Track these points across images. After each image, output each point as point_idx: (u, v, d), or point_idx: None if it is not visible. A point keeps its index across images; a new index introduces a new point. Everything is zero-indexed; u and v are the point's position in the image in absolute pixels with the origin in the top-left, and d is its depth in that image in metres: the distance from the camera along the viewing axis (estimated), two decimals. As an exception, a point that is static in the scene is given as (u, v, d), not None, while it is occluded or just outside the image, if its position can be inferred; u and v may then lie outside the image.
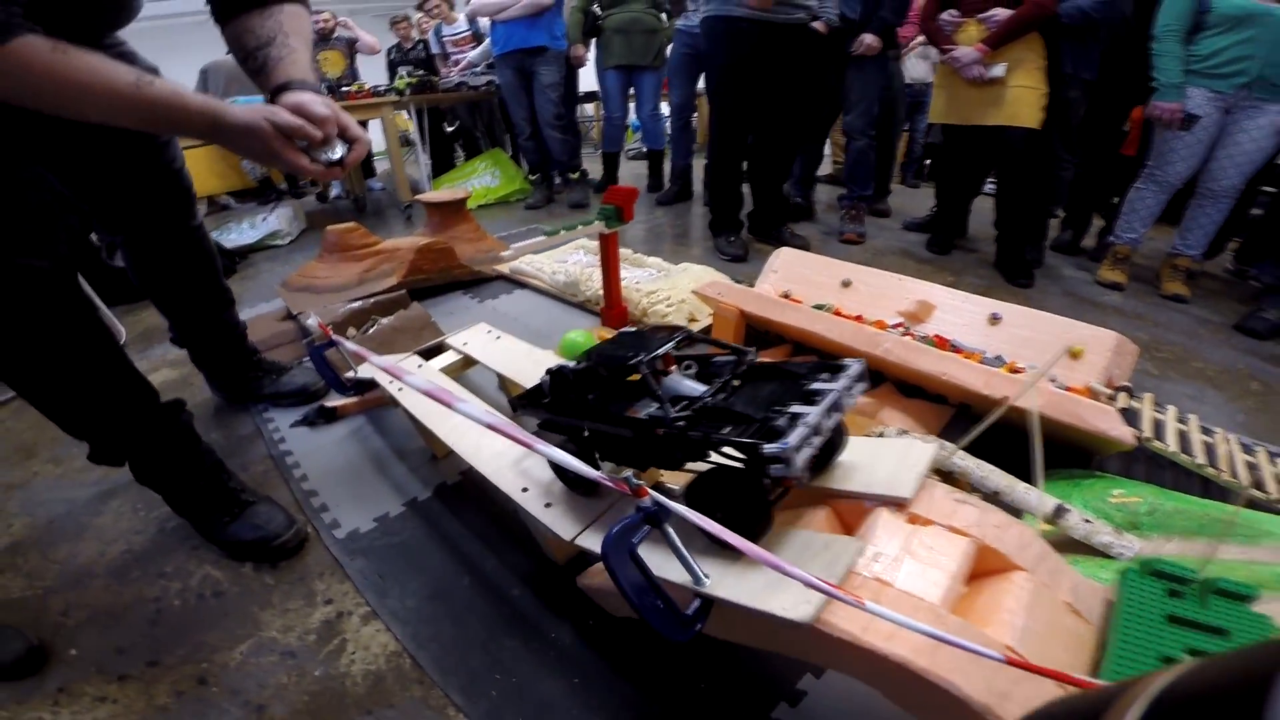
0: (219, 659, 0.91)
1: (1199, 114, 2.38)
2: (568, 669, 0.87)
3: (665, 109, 3.88)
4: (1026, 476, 1.09)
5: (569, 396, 0.78)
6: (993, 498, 0.95)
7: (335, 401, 1.47)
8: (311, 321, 1.37)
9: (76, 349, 0.96)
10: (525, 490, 0.85)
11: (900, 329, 1.45)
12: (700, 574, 0.57)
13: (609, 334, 1.75)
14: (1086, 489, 1.12)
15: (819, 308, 1.57)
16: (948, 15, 2.51)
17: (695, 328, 1.75)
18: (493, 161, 4.09)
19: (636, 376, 0.70)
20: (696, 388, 0.70)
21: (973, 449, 1.23)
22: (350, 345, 1.15)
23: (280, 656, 0.91)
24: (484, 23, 4.01)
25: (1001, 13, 2.35)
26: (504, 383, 1.41)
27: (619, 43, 3.59)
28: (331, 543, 1.10)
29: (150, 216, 1.27)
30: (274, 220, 3.46)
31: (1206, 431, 1.36)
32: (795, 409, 0.59)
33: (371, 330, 1.72)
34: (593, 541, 0.75)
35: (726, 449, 0.62)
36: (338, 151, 0.90)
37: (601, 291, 1.83)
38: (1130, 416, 1.25)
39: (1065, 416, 1.08)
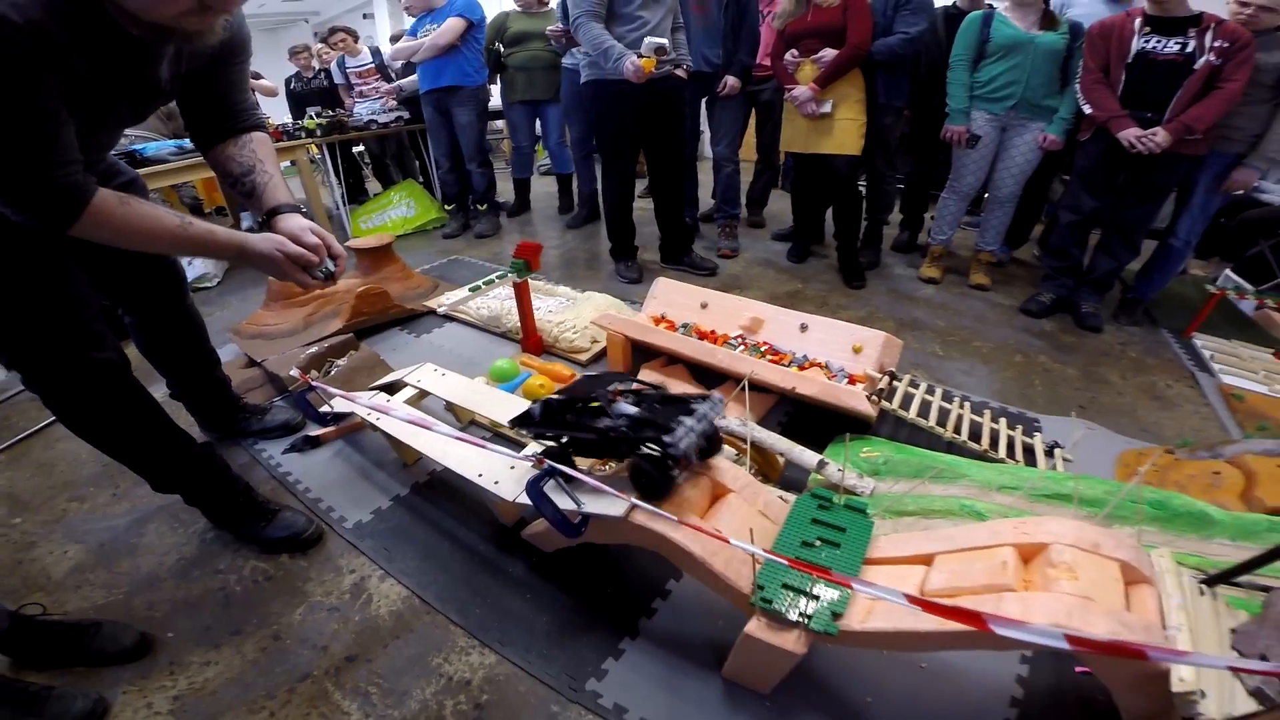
0: (284, 621, 1.32)
1: (980, 134, 2.99)
2: (523, 590, 1.36)
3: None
4: (819, 442, 1.65)
5: (556, 417, 1.20)
6: (780, 455, 1.49)
7: (316, 431, 1.87)
8: (294, 373, 1.76)
9: (138, 415, 1.33)
10: (480, 475, 1.33)
11: (740, 339, 2.00)
12: (579, 501, 1.09)
13: (530, 359, 2.21)
14: (852, 447, 1.68)
15: (684, 327, 2.10)
16: (789, 56, 2.96)
17: (594, 349, 2.25)
18: (407, 192, 4.40)
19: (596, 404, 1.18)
20: (632, 409, 1.15)
21: (792, 424, 1.79)
22: (335, 391, 1.58)
23: (328, 612, 1.34)
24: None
25: (830, 53, 2.82)
26: (451, 407, 1.85)
27: (521, 80, 3.97)
28: (344, 532, 1.53)
29: (154, 300, 1.62)
30: (199, 265, 3.66)
31: (948, 399, 1.95)
32: (683, 419, 1.09)
33: (333, 372, 2.11)
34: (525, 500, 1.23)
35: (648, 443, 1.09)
36: (329, 266, 1.30)
37: (519, 324, 2.29)
38: (891, 393, 1.84)
39: (830, 398, 1.64)
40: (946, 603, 0.75)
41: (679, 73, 2.94)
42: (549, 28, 3.74)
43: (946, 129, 3.04)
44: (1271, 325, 3.23)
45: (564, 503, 1.10)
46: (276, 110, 5.00)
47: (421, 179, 4.89)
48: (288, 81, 5.31)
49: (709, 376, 1.94)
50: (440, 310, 2.72)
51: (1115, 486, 1.50)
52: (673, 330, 2.08)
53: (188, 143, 3.19)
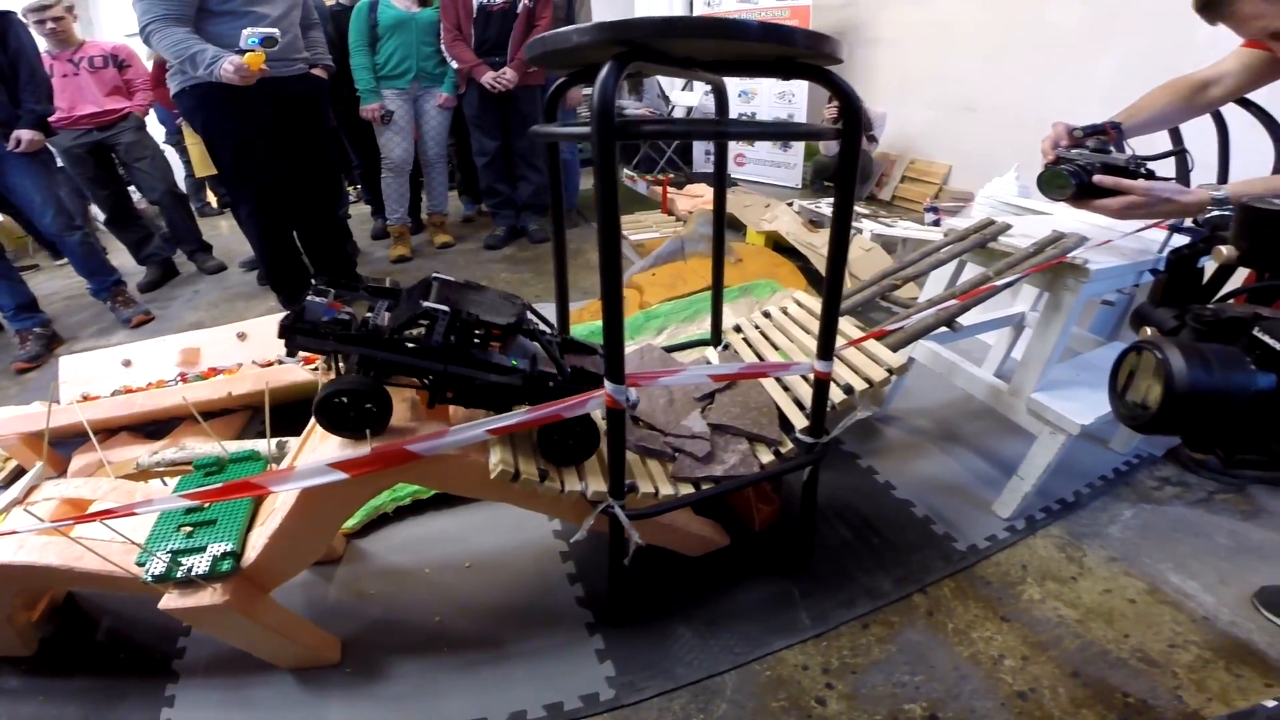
0: None
1: (393, 109, 3.19)
2: (32, 695, 1.11)
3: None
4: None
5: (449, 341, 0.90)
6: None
7: None
8: None
9: None
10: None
11: (181, 377, 1.82)
12: None
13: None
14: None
15: (115, 394, 1.80)
16: None
17: (7, 469, 1.74)
18: None
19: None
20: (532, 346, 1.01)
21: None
22: None
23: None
24: None
25: None
26: None
27: None
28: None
29: None
30: None
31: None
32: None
33: None
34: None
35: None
36: None
37: None
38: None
39: (266, 382, 1.63)
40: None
41: (317, 73, 2.58)
42: None
43: (363, 109, 3.17)
44: (655, 195, 4.44)
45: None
46: None
47: None
48: None
49: (163, 431, 1.72)
50: None
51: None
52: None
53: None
